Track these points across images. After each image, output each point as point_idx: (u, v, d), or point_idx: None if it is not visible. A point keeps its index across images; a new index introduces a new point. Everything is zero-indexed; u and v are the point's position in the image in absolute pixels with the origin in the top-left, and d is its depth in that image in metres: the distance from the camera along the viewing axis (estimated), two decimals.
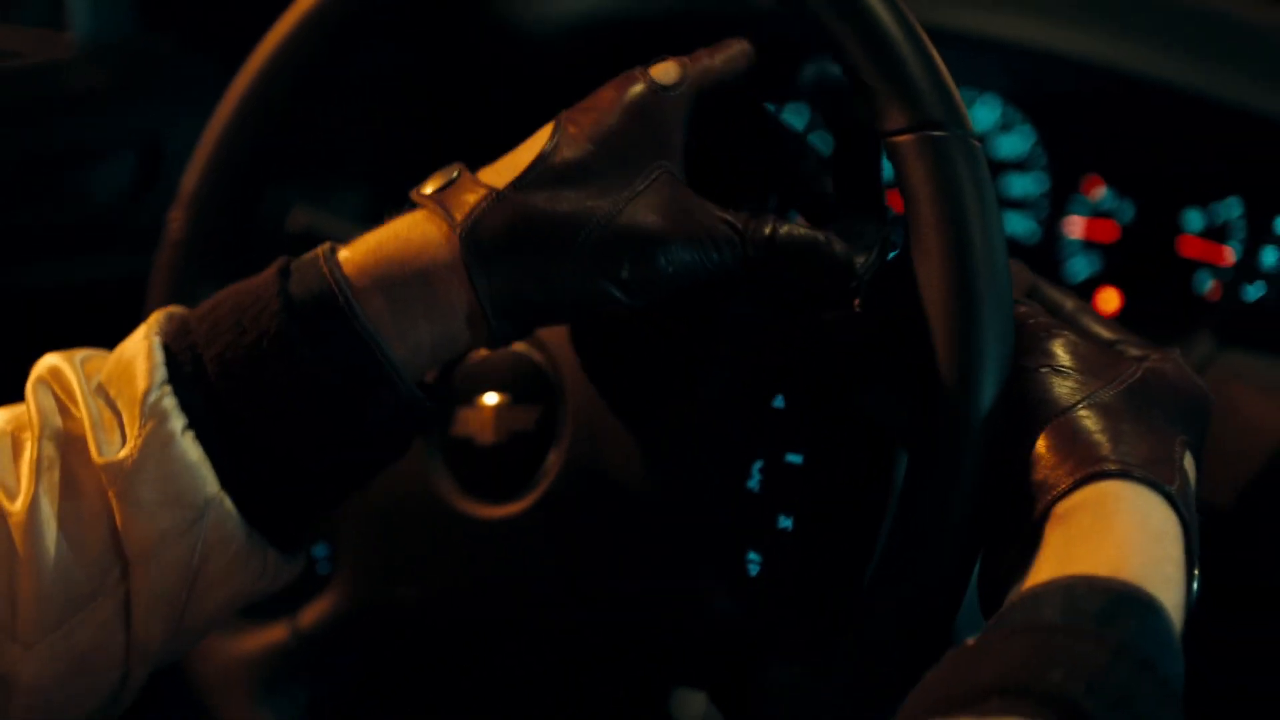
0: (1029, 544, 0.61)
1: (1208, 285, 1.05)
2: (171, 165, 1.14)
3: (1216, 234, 1.05)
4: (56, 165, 1.18)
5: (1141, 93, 1.04)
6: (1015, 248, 1.15)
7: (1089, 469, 0.61)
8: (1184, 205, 1.07)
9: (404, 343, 0.68)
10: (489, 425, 0.81)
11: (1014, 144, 1.15)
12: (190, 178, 0.86)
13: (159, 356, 0.67)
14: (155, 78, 1.20)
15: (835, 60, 0.68)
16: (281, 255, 0.70)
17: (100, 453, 0.66)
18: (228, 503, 0.67)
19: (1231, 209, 1.04)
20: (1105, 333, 0.70)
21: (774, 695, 0.69)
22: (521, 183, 0.68)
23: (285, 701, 0.88)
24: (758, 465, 0.73)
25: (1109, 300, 1.10)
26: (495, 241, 0.67)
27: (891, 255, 0.69)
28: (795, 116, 1.16)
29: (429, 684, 0.94)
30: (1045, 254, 1.14)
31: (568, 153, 0.68)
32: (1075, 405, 0.63)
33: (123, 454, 0.66)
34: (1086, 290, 1.11)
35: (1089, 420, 0.63)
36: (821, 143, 1.19)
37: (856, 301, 0.70)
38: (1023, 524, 0.62)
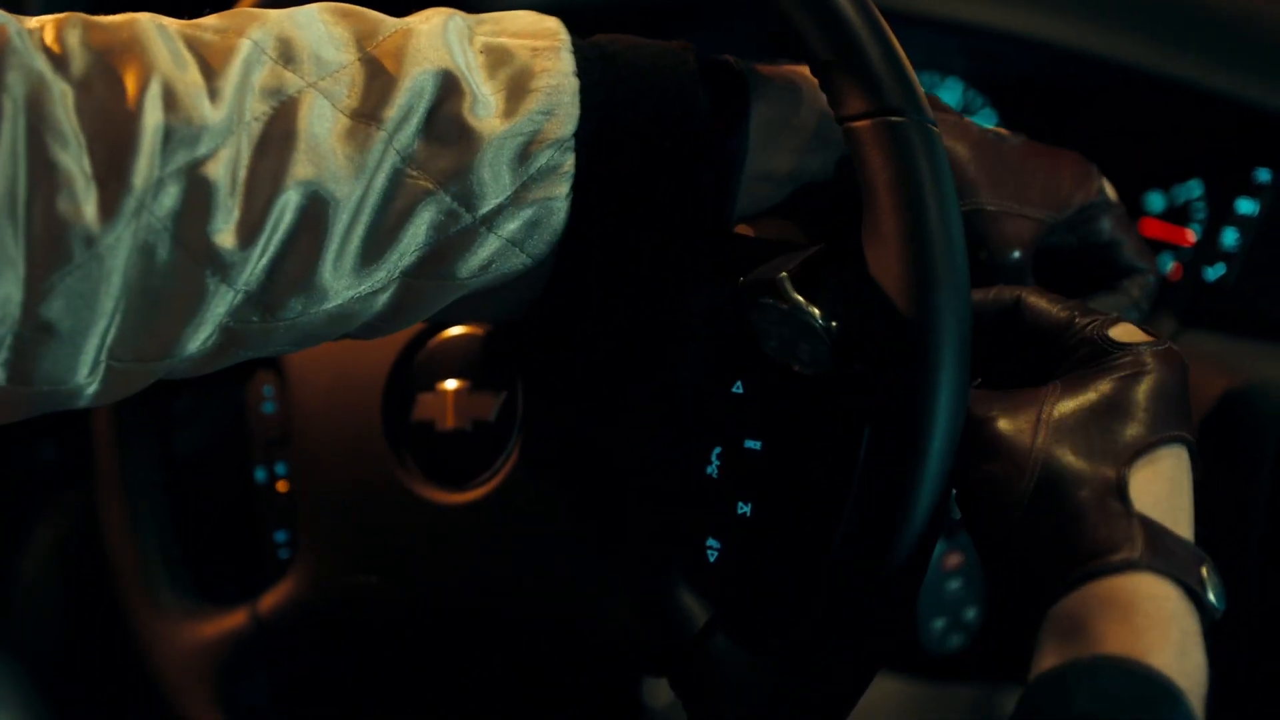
0: (1042, 617, 0.61)
1: (1169, 266, 1.06)
2: None
3: (1178, 215, 1.05)
4: None
5: (1103, 75, 1.04)
6: None
7: (1068, 577, 0.60)
8: (1145, 187, 1.07)
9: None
10: (450, 411, 0.81)
11: None
12: None
13: (577, 108, 0.66)
14: None
15: (792, 45, 0.68)
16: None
17: (484, 175, 0.65)
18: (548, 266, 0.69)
19: (1192, 191, 1.04)
20: (1056, 314, 0.69)
21: (724, 676, 0.69)
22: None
23: (246, 689, 0.88)
24: (716, 451, 0.73)
25: None
26: None
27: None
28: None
29: (390, 671, 0.93)
30: None
31: None
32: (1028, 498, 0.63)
33: (512, 185, 0.65)
34: None
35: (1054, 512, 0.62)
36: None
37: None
38: (1029, 599, 0.62)
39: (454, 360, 0.82)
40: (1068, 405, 0.64)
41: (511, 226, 0.66)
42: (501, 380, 0.80)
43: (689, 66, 0.69)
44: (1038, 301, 0.70)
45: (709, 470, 0.73)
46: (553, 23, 0.68)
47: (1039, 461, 0.63)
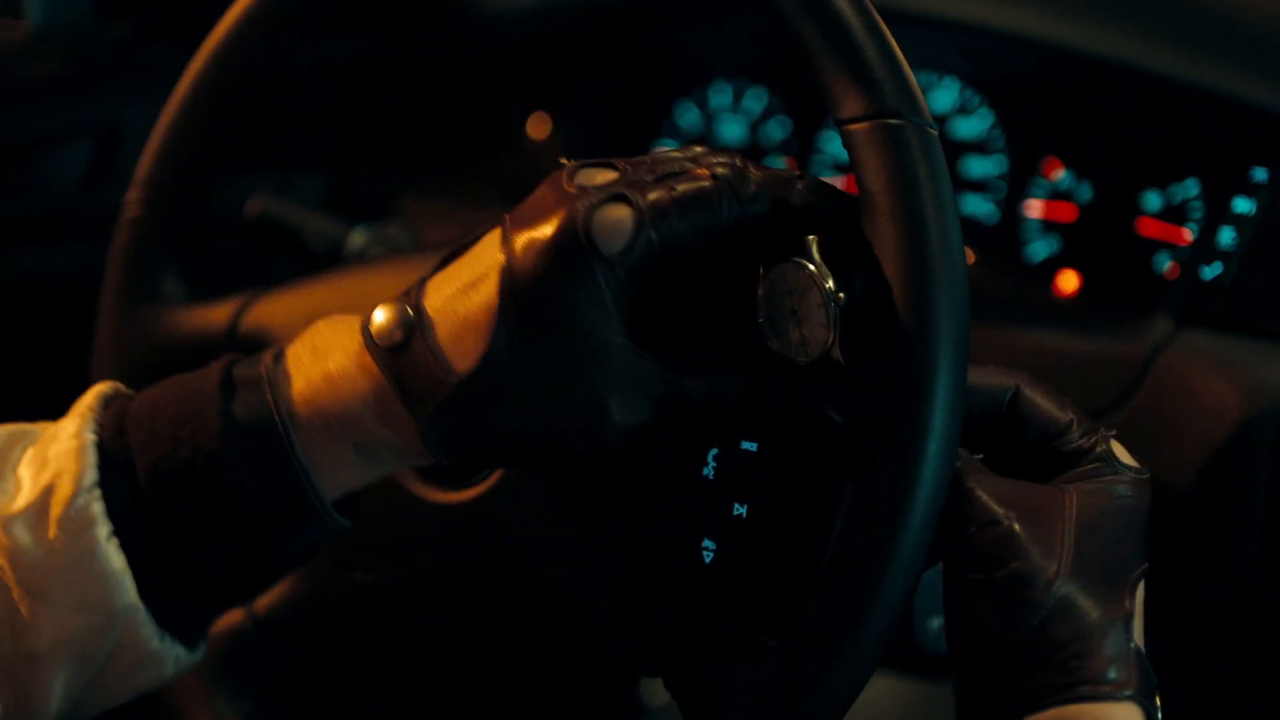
0: None
1: (1166, 265, 1.06)
2: (129, 153, 1.14)
3: (1175, 214, 1.06)
4: (12, 154, 1.17)
5: (1100, 73, 1.04)
6: (976, 229, 1.15)
7: (1058, 695, 0.63)
8: (1143, 186, 1.07)
9: (335, 479, 0.69)
10: None
11: (973, 126, 1.15)
12: (145, 161, 0.86)
13: (91, 458, 0.66)
14: (112, 65, 1.19)
15: (791, 46, 0.68)
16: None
17: (17, 550, 0.65)
18: (143, 612, 0.67)
19: (1189, 189, 1.04)
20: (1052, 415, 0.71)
21: (719, 676, 0.69)
22: (476, 381, 0.65)
23: (243, 688, 0.88)
24: (713, 453, 0.73)
25: (1068, 281, 1.10)
26: (453, 435, 0.66)
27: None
28: (754, 100, 1.16)
29: (387, 670, 0.94)
30: (1005, 236, 1.14)
31: (511, 353, 0.65)
32: (1022, 628, 0.64)
33: (42, 552, 0.65)
34: (1046, 271, 1.11)
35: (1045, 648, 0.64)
36: (780, 127, 1.19)
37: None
38: (1005, 708, 0.64)
39: None
40: (1084, 522, 0.66)
41: (68, 590, 0.66)
42: None
43: (209, 384, 0.69)
44: (1035, 395, 0.72)
45: (705, 471, 0.73)
46: (90, 394, 0.70)
47: (1063, 580, 0.65)
